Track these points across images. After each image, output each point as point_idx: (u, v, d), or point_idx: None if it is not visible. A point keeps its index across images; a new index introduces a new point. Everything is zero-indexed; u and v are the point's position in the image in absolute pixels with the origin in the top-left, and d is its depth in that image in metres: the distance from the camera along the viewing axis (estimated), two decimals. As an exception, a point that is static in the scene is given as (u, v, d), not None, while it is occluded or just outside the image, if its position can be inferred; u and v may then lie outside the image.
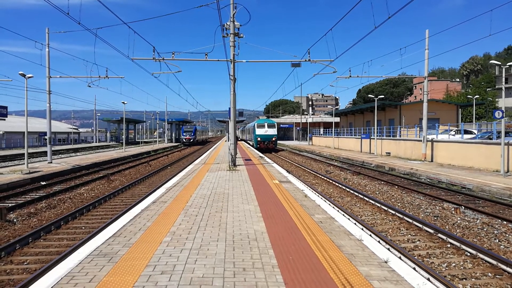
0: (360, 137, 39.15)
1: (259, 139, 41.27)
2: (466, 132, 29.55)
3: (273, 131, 41.64)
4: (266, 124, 42.25)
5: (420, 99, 64.24)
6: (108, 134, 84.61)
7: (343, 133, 52.08)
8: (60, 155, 38.49)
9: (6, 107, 19.43)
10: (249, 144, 53.39)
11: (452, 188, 15.49)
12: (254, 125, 42.97)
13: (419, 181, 17.94)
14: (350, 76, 25.59)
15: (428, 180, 18.03)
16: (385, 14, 12.94)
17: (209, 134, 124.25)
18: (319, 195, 13.60)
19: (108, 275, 4.67)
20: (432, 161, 25.36)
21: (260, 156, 27.39)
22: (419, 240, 8.75)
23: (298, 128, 75.24)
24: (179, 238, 6.33)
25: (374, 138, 34.43)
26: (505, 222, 10.04)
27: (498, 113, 17.63)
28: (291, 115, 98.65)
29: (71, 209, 12.18)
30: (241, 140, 71.80)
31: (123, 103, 41.57)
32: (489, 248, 8.02)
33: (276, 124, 43.38)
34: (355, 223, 9.40)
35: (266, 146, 41.33)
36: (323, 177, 20.06)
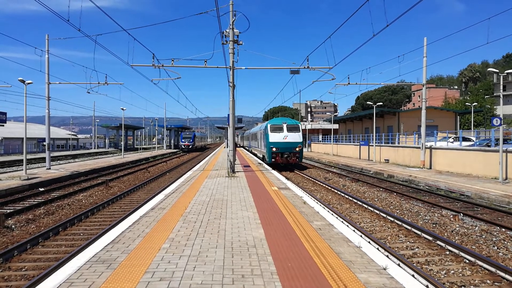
0: (358, 144, 39.22)
1: (274, 149, 26.55)
2: (465, 139, 29.64)
3: (297, 137, 27.13)
4: (285, 126, 27.46)
5: (419, 106, 64.50)
6: (107, 140, 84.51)
7: (342, 140, 52.18)
8: (58, 161, 38.43)
9: (5, 113, 19.46)
10: (255, 155, 38.20)
11: (450, 195, 15.50)
12: (266, 127, 28.18)
13: (418, 188, 17.95)
14: (349, 83, 25.72)
15: (427, 187, 18.04)
16: (383, 22, 13.04)
17: (208, 141, 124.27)
18: (318, 202, 13.59)
19: (107, 282, 4.67)
20: (430, 168, 25.39)
21: (259, 163, 27.35)
22: (418, 247, 8.75)
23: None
24: (178, 244, 6.32)
25: (372, 145, 34.49)
26: (503, 230, 10.05)
27: (496, 120, 17.71)
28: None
29: (70, 216, 12.15)
30: (241, 147, 71.55)
31: (122, 109, 41.61)
32: (487, 255, 8.02)
33: (300, 125, 28.60)
34: (354, 230, 9.39)
35: (286, 160, 26.67)
36: (322, 184, 20.06)
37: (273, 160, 26.66)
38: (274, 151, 26.63)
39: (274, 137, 26.91)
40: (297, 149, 26.86)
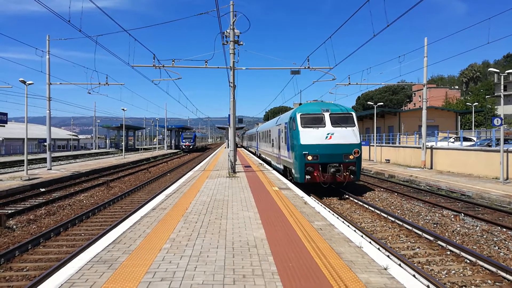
0: (359, 144, 39.10)
1: (310, 157, 15.07)
2: (465, 139, 29.61)
3: (350, 134, 15.50)
4: (327, 115, 15.74)
5: (419, 106, 64.42)
6: (107, 140, 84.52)
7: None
8: (59, 161, 38.47)
9: (6, 114, 19.50)
10: (269, 164, 25.33)
11: (451, 195, 15.50)
12: (293, 118, 16.20)
13: (419, 188, 17.94)
14: (349, 84, 25.68)
15: (428, 187, 18.03)
16: (384, 22, 13.03)
17: (209, 141, 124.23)
18: (319, 202, 13.59)
19: (108, 282, 4.68)
20: (431, 168, 25.37)
21: (260, 163, 27.29)
22: (418, 247, 8.75)
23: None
24: (179, 244, 6.33)
25: (373, 145, 34.48)
26: (504, 229, 10.04)
27: (497, 120, 17.70)
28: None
29: (71, 216, 12.17)
30: (242, 147, 71.23)
31: (123, 109, 41.66)
32: (488, 255, 8.02)
33: (354, 115, 16.25)
34: (354, 230, 9.39)
35: (332, 177, 15.04)
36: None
37: (307, 177, 15.15)
38: (310, 161, 15.08)
39: (309, 136, 15.36)
40: (351, 156, 15.24)
